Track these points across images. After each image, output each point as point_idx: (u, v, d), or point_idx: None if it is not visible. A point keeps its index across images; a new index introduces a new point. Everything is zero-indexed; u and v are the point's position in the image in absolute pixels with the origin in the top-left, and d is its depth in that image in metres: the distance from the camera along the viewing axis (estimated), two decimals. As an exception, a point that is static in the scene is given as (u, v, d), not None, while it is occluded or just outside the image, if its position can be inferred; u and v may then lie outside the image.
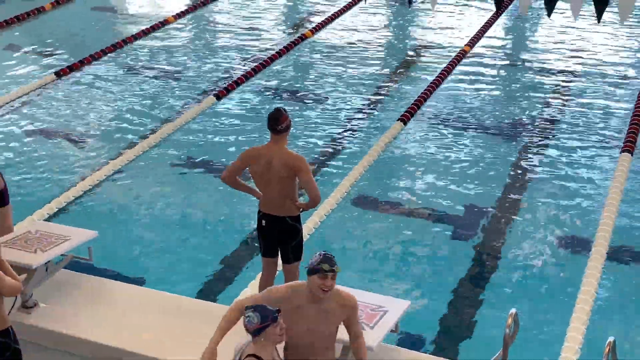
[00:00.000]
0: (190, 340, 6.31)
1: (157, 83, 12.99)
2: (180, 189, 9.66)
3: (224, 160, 10.15)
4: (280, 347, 4.85)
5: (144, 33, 15.21)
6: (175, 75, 13.33)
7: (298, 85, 12.96)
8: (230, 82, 12.71)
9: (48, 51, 14.48)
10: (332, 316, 4.91)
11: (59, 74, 13.13)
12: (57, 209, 8.91)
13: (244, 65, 13.60)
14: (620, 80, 12.85)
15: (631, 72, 13.23)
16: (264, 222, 6.17)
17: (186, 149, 10.66)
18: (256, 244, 8.29)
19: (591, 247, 8.03)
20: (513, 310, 5.20)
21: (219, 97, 12.20)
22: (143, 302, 6.91)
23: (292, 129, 6.27)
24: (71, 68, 13.38)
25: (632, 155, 10.01)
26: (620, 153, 10.08)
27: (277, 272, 6.51)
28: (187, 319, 6.65)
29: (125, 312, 6.75)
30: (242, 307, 4.78)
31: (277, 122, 6.03)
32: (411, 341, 6.69)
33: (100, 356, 6.37)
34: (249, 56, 14.12)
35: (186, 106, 11.94)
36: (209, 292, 7.55)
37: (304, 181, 5.99)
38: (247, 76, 12.99)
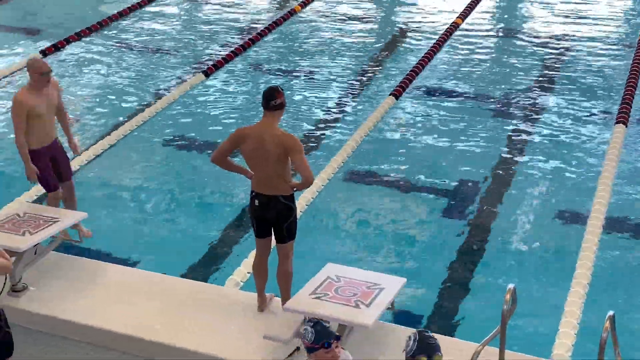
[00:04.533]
0: (183, 322, 6.23)
1: (145, 61, 12.79)
2: (170, 168, 9.53)
3: (213, 137, 10.03)
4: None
5: (130, 10, 14.98)
6: (163, 52, 13.13)
7: (288, 61, 12.79)
8: (218, 59, 12.53)
9: (34, 29, 14.24)
10: None
11: (44, 53, 12.91)
12: (45, 191, 8.76)
13: (232, 42, 13.42)
14: (613, 51, 12.73)
15: (624, 43, 13.10)
16: (256, 202, 6.03)
17: (175, 127, 10.51)
18: (247, 222, 8.22)
19: (587, 219, 7.96)
20: (511, 286, 5.10)
21: (207, 74, 12.03)
22: (134, 284, 6.81)
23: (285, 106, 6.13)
24: (57, 46, 13.17)
25: (626, 127, 9.92)
26: (615, 124, 9.99)
27: (272, 248, 6.40)
28: (179, 300, 6.55)
29: (116, 294, 6.65)
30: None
31: (272, 98, 5.88)
32: (408, 318, 6.61)
33: (91, 340, 6.27)
34: (238, 32, 13.93)
35: (174, 84, 11.77)
36: (200, 272, 7.45)
37: (296, 161, 5.85)
38: (236, 52, 12.81)
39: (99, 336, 6.23)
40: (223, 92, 11.54)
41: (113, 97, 11.41)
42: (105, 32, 14.01)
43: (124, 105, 11.16)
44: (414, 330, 4.15)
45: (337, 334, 4.45)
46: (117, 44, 13.47)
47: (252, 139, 5.93)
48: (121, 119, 10.65)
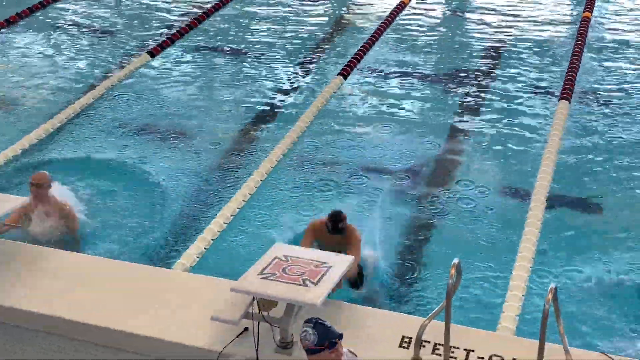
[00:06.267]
0: (130, 306, 6.17)
1: (88, 42, 12.55)
2: (115, 152, 9.35)
3: (159, 120, 9.94)
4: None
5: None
6: (106, 33, 12.89)
7: (235, 41, 12.67)
8: (164, 39, 12.35)
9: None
10: None
11: (-17, 35, 12.61)
12: (-14, 176, 8.59)
13: (178, 21, 13.24)
14: (557, 29, 12.91)
15: (568, 21, 13.29)
16: None
17: (120, 109, 10.34)
18: (194, 207, 8.19)
19: (531, 194, 8.10)
20: (456, 260, 5.16)
21: (152, 54, 11.85)
22: (81, 269, 6.69)
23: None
24: (-5, 28, 12.87)
25: (569, 103, 10.09)
26: (559, 101, 10.16)
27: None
28: (127, 284, 6.47)
29: (62, 281, 6.52)
30: None
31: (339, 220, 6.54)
32: (356, 295, 6.66)
33: (39, 327, 6.17)
34: (184, 11, 13.75)
35: (119, 64, 11.57)
36: (148, 256, 7.37)
37: None
38: (181, 32, 12.65)
39: (48, 323, 6.12)
40: (169, 73, 11.39)
41: (55, 81, 11.17)
42: (45, 13, 13.68)
43: (67, 88, 10.93)
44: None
45: (340, 332, 4.23)
46: (58, 25, 13.17)
47: None
48: (65, 102, 10.43)
